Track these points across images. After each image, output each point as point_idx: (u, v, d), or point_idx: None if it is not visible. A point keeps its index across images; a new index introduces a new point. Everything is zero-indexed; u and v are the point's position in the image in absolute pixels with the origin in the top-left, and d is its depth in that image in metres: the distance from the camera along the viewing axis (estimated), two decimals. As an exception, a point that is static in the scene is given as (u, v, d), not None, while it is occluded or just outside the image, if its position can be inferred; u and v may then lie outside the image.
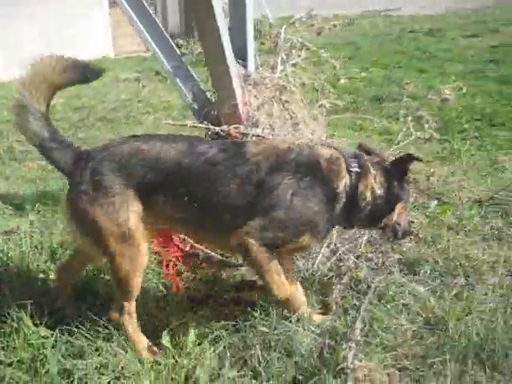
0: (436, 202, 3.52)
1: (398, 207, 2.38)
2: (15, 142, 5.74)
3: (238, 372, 2.16)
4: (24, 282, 2.69)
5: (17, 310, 2.45)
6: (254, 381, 2.14)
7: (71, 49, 9.16)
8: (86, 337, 2.33)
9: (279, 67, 3.45)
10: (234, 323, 2.42)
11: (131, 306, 2.35)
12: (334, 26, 3.80)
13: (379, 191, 2.34)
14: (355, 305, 2.54)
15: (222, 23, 2.85)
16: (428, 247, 2.99)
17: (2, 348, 2.35)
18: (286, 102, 3.27)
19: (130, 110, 6.71)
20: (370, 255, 2.88)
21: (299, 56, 3.51)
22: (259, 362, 2.18)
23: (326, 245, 2.88)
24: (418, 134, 3.74)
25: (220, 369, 2.18)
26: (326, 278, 2.71)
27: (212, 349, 2.28)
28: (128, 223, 2.22)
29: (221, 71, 3.01)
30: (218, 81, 3.12)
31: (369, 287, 2.63)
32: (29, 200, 3.95)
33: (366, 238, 2.95)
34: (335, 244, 2.93)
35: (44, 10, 9.39)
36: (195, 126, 3.11)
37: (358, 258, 2.87)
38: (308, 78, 3.59)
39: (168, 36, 3.52)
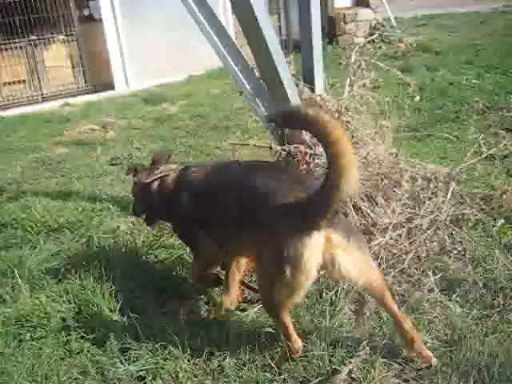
0: (503, 221, 3.53)
1: None
2: (133, 149, 6.49)
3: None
4: (109, 276, 3.21)
5: (98, 297, 3.03)
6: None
7: (198, 59, 9.97)
8: (144, 324, 2.81)
9: (347, 88, 3.68)
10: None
11: None
12: (411, 44, 3.91)
13: None
14: (387, 318, 2.74)
15: (276, 48, 3.12)
16: (474, 267, 3.07)
17: (84, 327, 2.92)
18: (348, 122, 3.49)
19: (240, 119, 7.17)
20: (412, 271, 3.04)
21: (368, 77, 3.69)
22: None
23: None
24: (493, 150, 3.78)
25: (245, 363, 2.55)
26: (363, 289, 2.93)
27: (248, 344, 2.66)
28: None
29: (279, 95, 3.31)
30: (278, 104, 3.43)
31: (403, 302, 2.82)
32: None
33: (411, 255, 3.10)
34: (382, 258, 3.13)
35: (169, 22, 10.11)
36: (258, 146, 3.46)
37: (401, 272, 3.04)
38: (378, 97, 3.75)
39: (246, 57, 3.87)
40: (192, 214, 2.80)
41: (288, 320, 2.39)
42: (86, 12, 11.43)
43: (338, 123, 2.19)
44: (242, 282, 3.07)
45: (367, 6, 12.17)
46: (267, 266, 2.29)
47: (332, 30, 11.75)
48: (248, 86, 3.81)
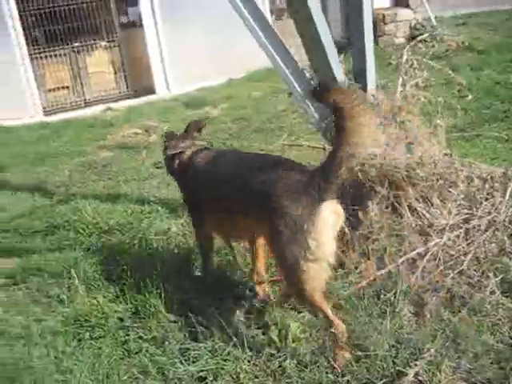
0: None
1: None
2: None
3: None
4: (164, 276, 3.24)
5: (155, 298, 3.05)
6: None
7: (239, 62, 10.01)
8: (202, 324, 2.82)
9: (399, 88, 3.63)
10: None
11: None
12: (463, 43, 3.84)
13: None
14: (449, 320, 2.70)
15: (330, 48, 3.10)
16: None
17: (142, 327, 2.95)
18: (402, 122, 3.45)
19: (283, 121, 7.16)
20: (472, 272, 2.98)
21: (420, 76, 3.64)
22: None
23: (427, 258, 3.04)
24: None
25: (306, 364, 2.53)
26: (422, 291, 2.88)
27: (307, 345, 2.65)
28: None
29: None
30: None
31: (464, 305, 2.76)
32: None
33: (469, 256, 3.04)
34: (440, 259, 3.07)
35: (209, 26, 10.19)
36: (311, 147, 3.44)
37: (460, 274, 2.98)
38: (430, 97, 3.69)
39: (295, 59, 3.86)
40: (193, 194, 3.11)
41: (325, 303, 2.43)
42: (124, 19, 11.62)
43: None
44: (270, 280, 3.15)
45: (407, 6, 12.02)
46: (288, 246, 2.33)
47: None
48: (298, 88, 3.79)
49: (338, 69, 3.17)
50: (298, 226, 2.28)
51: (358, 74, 3.62)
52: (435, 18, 12.53)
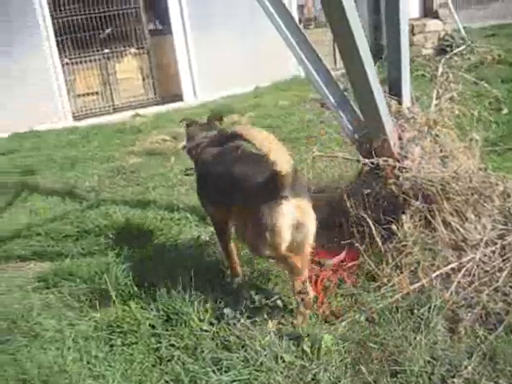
0: None
1: None
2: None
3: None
4: (195, 284, 3.26)
5: (187, 306, 3.07)
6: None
7: (266, 70, 10.06)
8: (234, 334, 2.83)
9: (434, 101, 3.61)
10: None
11: None
12: (499, 55, 3.81)
13: None
14: (485, 337, 2.66)
15: (368, 60, 3.09)
16: None
17: (174, 335, 2.96)
18: (437, 136, 3.43)
19: (311, 131, 7.14)
20: (507, 289, 2.93)
21: (455, 89, 3.61)
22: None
23: (462, 274, 3.01)
24: None
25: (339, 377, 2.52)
26: (456, 307, 2.85)
27: (340, 358, 2.64)
28: None
29: (369, 107, 3.28)
30: (367, 116, 3.40)
31: (500, 322, 2.73)
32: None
33: (505, 272, 3.00)
34: (474, 275, 3.04)
35: (237, 35, 10.27)
36: (346, 158, 3.44)
37: (495, 290, 2.94)
38: (465, 110, 3.67)
39: (330, 70, 3.87)
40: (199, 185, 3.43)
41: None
42: (153, 27, 11.76)
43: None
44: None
45: (436, 17, 11.96)
46: (253, 232, 2.78)
47: (400, 41, 11.57)
48: (331, 98, 3.80)
49: (375, 78, 3.16)
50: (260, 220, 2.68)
51: (393, 86, 3.60)
52: (464, 28, 12.46)
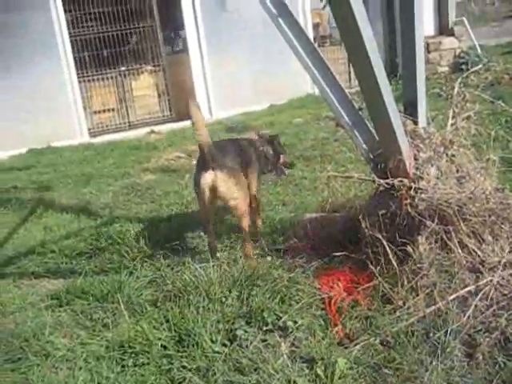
0: None
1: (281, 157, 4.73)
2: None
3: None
4: (208, 305, 3.23)
5: (199, 327, 3.04)
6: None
7: (280, 88, 10.13)
8: (246, 356, 2.79)
9: (450, 121, 3.58)
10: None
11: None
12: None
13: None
14: (505, 364, 2.59)
15: (383, 79, 3.07)
16: None
17: (186, 356, 2.92)
18: (453, 156, 3.39)
19: (326, 149, 7.13)
20: (527, 314, 2.87)
21: (472, 109, 3.58)
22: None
23: (480, 297, 2.95)
24: None
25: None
26: (474, 331, 2.79)
27: (354, 383, 2.59)
28: None
29: (383, 126, 3.25)
30: (383, 135, 3.37)
31: (520, 347, 2.66)
32: (223, 232, 4.60)
33: (524, 295, 2.94)
34: (492, 298, 2.98)
35: (252, 53, 10.34)
36: (360, 179, 3.41)
37: (514, 315, 2.87)
38: (481, 129, 3.63)
39: (346, 90, 3.85)
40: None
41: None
42: (169, 44, 11.87)
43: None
44: None
45: (451, 34, 11.94)
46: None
47: (415, 59, 11.57)
48: (346, 117, 3.78)
49: (390, 98, 3.13)
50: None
51: (409, 105, 3.58)
52: (480, 46, 12.43)
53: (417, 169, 3.34)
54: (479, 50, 11.89)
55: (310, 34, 11.58)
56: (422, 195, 3.22)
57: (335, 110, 3.82)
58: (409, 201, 3.24)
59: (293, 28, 3.86)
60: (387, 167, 3.36)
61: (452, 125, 3.57)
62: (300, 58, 3.82)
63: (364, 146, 3.73)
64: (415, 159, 3.37)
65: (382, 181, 3.31)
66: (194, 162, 7.61)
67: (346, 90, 3.85)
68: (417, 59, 3.42)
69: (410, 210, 3.23)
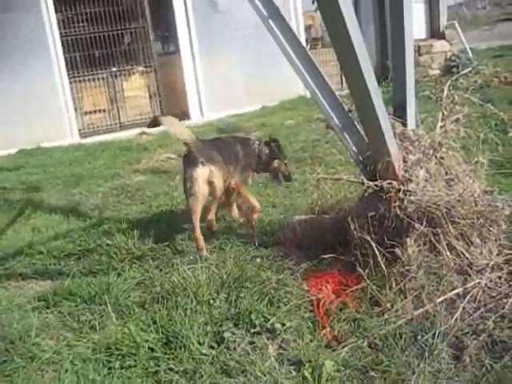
0: None
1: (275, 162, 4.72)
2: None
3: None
4: (196, 306, 3.22)
5: (187, 329, 3.02)
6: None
7: (272, 90, 10.14)
8: (233, 358, 2.77)
9: (439, 123, 3.58)
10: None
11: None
12: (505, 77, 3.78)
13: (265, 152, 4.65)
14: (491, 366, 2.59)
15: (372, 82, 3.06)
16: None
17: (173, 358, 2.91)
18: (442, 158, 3.40)
19: (317, 151, 7.12)
20: (514, 316, 2.87)
21: (461, 112, 3.59)
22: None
23: (467, 299, 2.95)
24: None
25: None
26: (461, 333, 2.79)
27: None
28: None
29: (373, 129, 3.25)
30: (372, 138, 3.37)
31: (506, 350, 2.66)
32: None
33: None
34: (480, 301, 2.98)
35: (243, 54, 10.33)
36: (349, 181, 3.41)
37: (502, 317, 2.88)
38: (470, 132, 3.64)
39: (336, 93, 3.85)
40: None
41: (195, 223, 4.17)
42: (161, 45, 11.84)
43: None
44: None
45: (443, 38, 12.00)
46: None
47: (406, 61, 11.62)
48: (336, 119, 3.77)
49: (379, 100, 3.13)
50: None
51: (398, 108, 3.58)
52: (471, 49, 12.49)
53: (406, 171, 3.34)
54: (470, 54, 11.95)
55: (302, 36, 11.60)
56: (411, 197, 3.22)
57: (325, 113, 3.82)
58: (398, 203, 3.24)
59: (284, 31, 3.85)
60: (376, 169, 3.35)
61: (441, 127, 3.57)
62: (291, 62, 3.82)
63: (353, 148, 3.73)
64: (404, 161, 3.37)
65: (370, 183, 3.30)
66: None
67: (337, 93, 3.84)
68: (406, 62, 3.43)
69: (398, 212, 3.23)
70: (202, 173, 4.07)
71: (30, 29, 9.74)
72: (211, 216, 4.52)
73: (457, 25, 12.16)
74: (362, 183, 3.38)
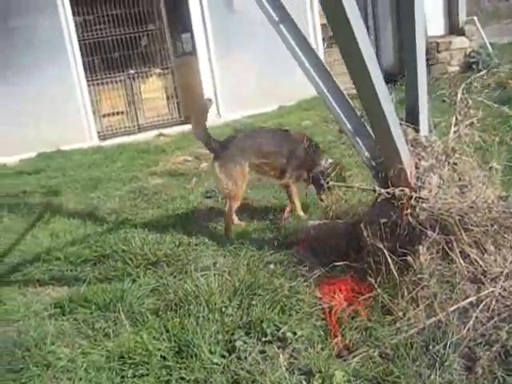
0: None
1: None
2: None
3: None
4: (208, 314, 3.23)
5: (198, 338, 3.04)
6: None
7: (289, 90, 10.10)
8: (244, 368, 2.78)
9: (453, 128, 3.54)
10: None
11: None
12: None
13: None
14: (504, 379, 2.56)
15: (382, 89, 3.03)
16: None
17: (185, 367, 2.93)
18: (455, 164, 3.35)
19: (333, 153, 7.07)
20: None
21: (475, 116, 3.53)
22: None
23: (480, 308, 2.91)
24: None
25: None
26: (474, 344, 2.76)
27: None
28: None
29: (383, 135, 3.21)
30: (383, 145, 3.34)
31: (519, 360, 2.62)
32: (227, 239, 4.59)
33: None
34: (493, 310, 2.94)
35: (260, 54, 10.30)
36: (361, 188, 3.38)
37: (516, 327, 2.83)
38: (485, 136, 3.59)
39: (348, 97, 3.82)
40: None
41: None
42: (178, 47, 11.88)
43: None
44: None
45: (462, 34, 11.82)
46: None
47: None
48: (348, 124, 3.75)
49: (389, 105, 3.10)
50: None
51: (411, 113, 3.53)
52: (492, 45, 12.28)
53: (418, 178, 3.30)
54: (490, 50, 11.75)
55: (319, 35, 11.53)
56: (423, 205, 3.19)
57: (337, 117, 3.80)
58: (410, 210, 3.21)
59: (295, 36, 3.84)
60: (388, 176, 3.33)
61: (455, 132, 3.52)
62: (302, 67, 3.81)
63: (366, 153, 3.70)
64: (416, 168, 3.34)
65: (382, 190, 3.28)
66: (202, 165, 7.72)
67: (349, 99, 3.81)
68: (418, 67, 3.38)
69: (410, 219, 3.20)
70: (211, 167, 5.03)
71: (48, 32, 9.84)
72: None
73: (476, 20, 11.96)
74: (374, 190, 3.35)
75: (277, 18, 3.89)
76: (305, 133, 5.23)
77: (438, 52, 11.53)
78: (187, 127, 10.46)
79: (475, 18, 12.01)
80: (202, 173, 7.33)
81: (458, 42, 11.71)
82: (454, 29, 12.04)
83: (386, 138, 3.21)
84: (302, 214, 4.96)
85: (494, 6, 30.99)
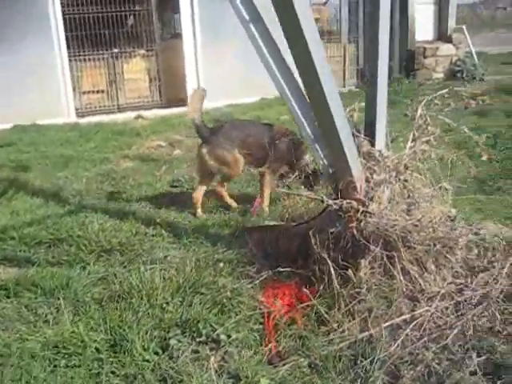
0: None
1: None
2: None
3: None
4: (147, 309, 3.24)
5: (134, 333, 3.05)
6: None
7: (271, 82, 9.98)
8: (173, 368, 2.80)
9: (409, 144, 3.56)
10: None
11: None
12: (483, 101, 3.76)
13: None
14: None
15: (335, 103, 3.04)
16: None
17: (117, 362, 2.93)
18: (405, 181, 3.38)
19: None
20: (455, 348, 2.87)
21: (433, 133, 3.56)
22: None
23: (412, 326, 2.95)
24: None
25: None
26: (400, 362, 2.80)
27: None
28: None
29: (334, 146, 3.23)
30: (334, 155, 3.35)
31: (440, 383, 2.67)
32: (185, 232, 4.59)
33: (456, 330, 2.94)
34: (425, 329, 2.98)
35: (245, 44, 10.23)
36: (309, 197, 3.40)
37: (443, 348, 2.88)
38: (441, 154, 3.62)
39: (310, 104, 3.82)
40: None
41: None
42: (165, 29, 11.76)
43: None
44: None
45: (450, 41, 11.86)
46: None
47: (411, 63, 11.52)
48: (309, 131, 3.76)
49: (341, 117, 3.11)
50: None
51: (369, 125, 3.55)
52: (479, 54, 12.35)
53: (367, 192, 3.33)
54: (476, 59, 11.81)
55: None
56: (369, 219, 3.22)
57: (298, 122, 3.80)
58: (355, 224, 3.23)
59: (263, 35, 3.83)
60: (338, 187, 3.35)
61: (410, 148, 3.55)
62: (266, 65, 3.82)
63: (324, 160, 3.71)
64: (367, 181, 3.36)
65: (330, 201, 3.30)
66: (175, 152, 7.70)
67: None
68: (378, 81, 3.39)
69: (355, 232, 3.22)
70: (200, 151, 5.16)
71: (32, 4, 9.70)
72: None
73: (465, 29, 11.99)
74: (322, 201, 3.37)
75: (247, 17, 3.88)
76: (287, 127, 5.17)
77: (425, 57, 11.58)
78: (167, 111, 10.47)
79: (464, 26, 12.04)
80: (174, 160, 7.31)
81: (445, 48, 11.75)
82: (442, 35, 12.08)
83: (337, 150, 3.22)
84: (266, 209, 5.00)
85: (490, 14, 31.04)
